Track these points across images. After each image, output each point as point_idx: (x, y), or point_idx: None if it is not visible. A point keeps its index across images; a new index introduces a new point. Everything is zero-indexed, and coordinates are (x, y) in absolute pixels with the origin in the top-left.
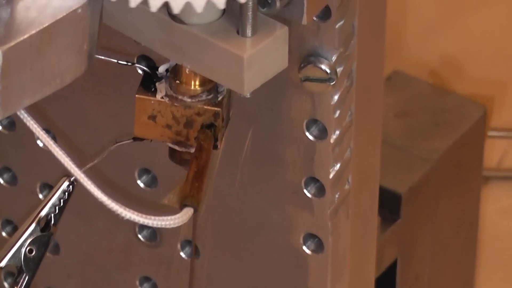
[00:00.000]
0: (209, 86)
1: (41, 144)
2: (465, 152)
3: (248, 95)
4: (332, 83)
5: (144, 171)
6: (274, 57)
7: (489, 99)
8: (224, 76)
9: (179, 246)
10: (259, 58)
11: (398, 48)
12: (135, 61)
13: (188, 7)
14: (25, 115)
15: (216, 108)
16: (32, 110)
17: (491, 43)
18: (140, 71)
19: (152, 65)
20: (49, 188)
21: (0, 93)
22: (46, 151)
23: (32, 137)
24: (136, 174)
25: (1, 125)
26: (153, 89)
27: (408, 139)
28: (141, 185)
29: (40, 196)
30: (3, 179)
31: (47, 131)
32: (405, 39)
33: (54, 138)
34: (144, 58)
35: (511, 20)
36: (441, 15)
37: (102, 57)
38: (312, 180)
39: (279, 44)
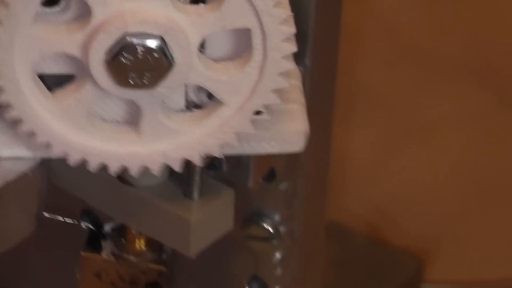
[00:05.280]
0: (155, 245)
1: None
2: None
3: (193, 256)
4: (274, 243)
5: None
6: (219, 219)
7: (424, 251)
8: (170, 238)
9: None
10: (205, 221)
11: (334, 198)
12: (80, 216)
13: (126, 170)
14: None
15: (161, 267)
16: None
17: (424, 191)
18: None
19: (98, 223)
20: None
21: None
22: None
23: None
24: None
25: None
26: (98, 247)
27: None
28: None
29: None
30: None
31: None
32: (340, 189)
33: None
34: (88, 213)
35: (442, 168)
36: (376, 161)
37: (48, 215)
38: None
39: (225, 206)
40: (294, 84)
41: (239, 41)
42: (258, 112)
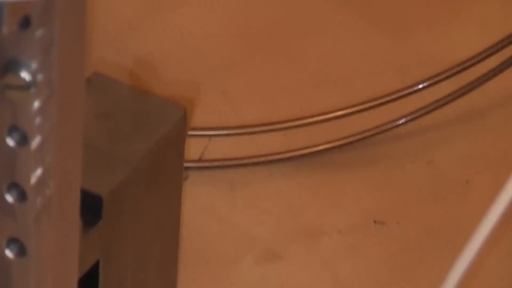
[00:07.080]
0: None
1: None
2: (166, 153)
3: None
4: (32, 91)
5: None
6: None
7: (188, 100)
8: None
9: None
10: None
11: (97, 48)
12: None
13: None
14: None
15: None
16: None
17: (189, 43)
18: None
19: None
20: None
21: None
22: None
23: None
24: None
25: None
26: None
27: (109, 141)
28: None
29: None
30: None
31: None
32: (104, 39)
33: None
34: None
35: (208, 20)
36: (140, 14)
37: None
38: (14, 185)
39: None
40: None
41: None
42: None
